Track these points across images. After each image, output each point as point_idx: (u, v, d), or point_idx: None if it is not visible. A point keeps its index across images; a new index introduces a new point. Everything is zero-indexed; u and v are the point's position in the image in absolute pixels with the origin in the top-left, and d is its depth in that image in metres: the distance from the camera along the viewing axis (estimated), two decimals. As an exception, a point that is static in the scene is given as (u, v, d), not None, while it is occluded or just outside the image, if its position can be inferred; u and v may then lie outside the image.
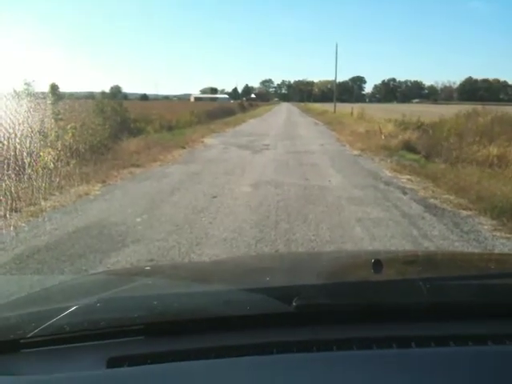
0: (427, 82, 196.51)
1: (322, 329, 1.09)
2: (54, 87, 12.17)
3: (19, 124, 7.86)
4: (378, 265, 1.30)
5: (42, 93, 12.24)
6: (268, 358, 0.99)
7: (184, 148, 14.93)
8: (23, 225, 5.88)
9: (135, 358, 1.01)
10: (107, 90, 27.72)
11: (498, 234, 5.70)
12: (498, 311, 1.15)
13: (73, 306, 1.14)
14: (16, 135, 7.65)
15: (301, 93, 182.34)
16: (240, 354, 1.00)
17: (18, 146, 7.67)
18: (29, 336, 1.05)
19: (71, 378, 0.96)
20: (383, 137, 16.49)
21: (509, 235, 5.62)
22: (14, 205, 6.58)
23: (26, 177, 7.64)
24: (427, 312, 1.13)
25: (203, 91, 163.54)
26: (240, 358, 0.99)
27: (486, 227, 5.99)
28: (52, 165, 8.52)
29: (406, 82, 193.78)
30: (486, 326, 1.11)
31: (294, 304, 1.07)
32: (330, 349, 1.01)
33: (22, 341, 1.06)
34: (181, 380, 0.94)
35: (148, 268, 2.59)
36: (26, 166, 7.71)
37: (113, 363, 1.00)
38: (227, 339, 1.06)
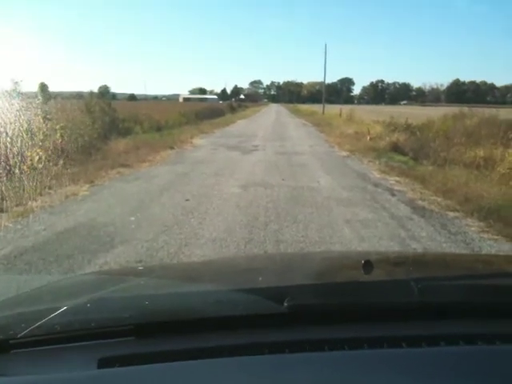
0: (415, 84, 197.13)
1: (313, 329, 1.10)
2: (43, 86, 12.05)
3: (7, 124, 7.79)
4: (368, 265, 1.31)
5: (30, 92, 12.17)
6: (260, 359, 0.99)
7: (173, 148, 14.89)
8: (11, 225, 5.83)
9: (126, 359, 1.00)
10: (95, 89, 27.50)
11: (486, 235, 5.75)
12: (488, 311, 1.16)
13: (63, 307, 1.13)
14: (4, 135, 7.59)
15: (290, 94, 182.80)
16: (231, 354, 1.00)
17: (6, 146, 7.61)
18: (19, 336, 1.05)
19: (62, 378, 0.95)
20: (369, 138, 16.59)
21: (496, 236, 5.67)
22: (1, 205, 6.53)
23: (13, 177, 7.58)
24: (418, 312, 1.14)
25: (192, 92, 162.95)
26: (231, 359, 0.99)
27: (473, 228, 6.04)
28: (40, 165, 8.46)
29: (394, 83, 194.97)
30: (477, 326, 1.13)
31: (285, 304, 1.08)
32: (321, 349, 1.01)
33: (11, 341, 1.06)
34: (172, 380, 0.94)
35: (138, 268, 2.58)
36: (14, 166, 7.66)
37: (104, 363, 0.99)
38: (218, 339, 1.06)
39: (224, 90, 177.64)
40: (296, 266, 1.83)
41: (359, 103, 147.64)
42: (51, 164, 8.98)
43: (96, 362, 1.00)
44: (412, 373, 0.94)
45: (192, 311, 1.15)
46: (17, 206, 6.76)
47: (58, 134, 10.80)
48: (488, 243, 5.46)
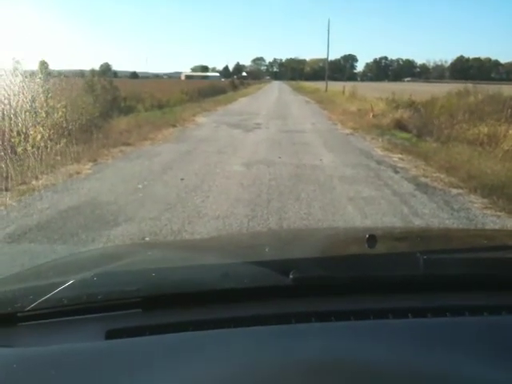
0: (419, 61, 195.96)
1: (319, 301, 1.10)
2: (43, 64, 11.93)
3: (9, 102, 7.76)
4: (372, 239, 1.31)
5: (31, 71, 12.05)
6: (266, 329, 1.00)
7: (175, 127, 14.84)
8: (14, 204, 5.85)
9: (133, 330, 1.01)
10: (97, 67, 27.31)
11: (489, 211, 5.75)
12: (493, 283, 1.17)
13: (70, 280, 1.14)
14: (6, 113, 7.56)
15: (292, 71, 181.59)
16: (238, 325, 1.01)
17: (8, 125, 7.59)
18: (26, 310, 1.05)
19: (70, 348, 0.96)
20: (372, 115, 16.50)
21: (499, 213, 5.67)
22: (4, 184, 6.54)
23: (16, 156, 7.57)
24: (423, 284, 1.15)
25: (194, 69, 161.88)
26: (238, 329, 1.00)
27: (476, 205, 6.04)
28: (43, 143, 8.44)
29: (397, 60, 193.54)
30: (482, 298, 1.13)
31: (291, 276, 1.08)
32: (327, 320, 1.02)
33: (19, 314, 1.07)
34: (178, 350, 0.95)
35: (143, 243, 2.58)
36: (18, 145, 7.65)
37: (111, 335, 1.00)
38: (225, 311, 1.07)
39: (226, 68, 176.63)
40: (301, 241, 1.84)
41: (362, 80, 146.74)
42: (54, 142, 8.96)
43: (103, 333, 1.00)
44: (418, 342, 0.95)
45: (198, 284, 1.16)
46: (20, 184, 6.77)
47: (60, 113, 10.73)
48: (491, 219, 5.47)
